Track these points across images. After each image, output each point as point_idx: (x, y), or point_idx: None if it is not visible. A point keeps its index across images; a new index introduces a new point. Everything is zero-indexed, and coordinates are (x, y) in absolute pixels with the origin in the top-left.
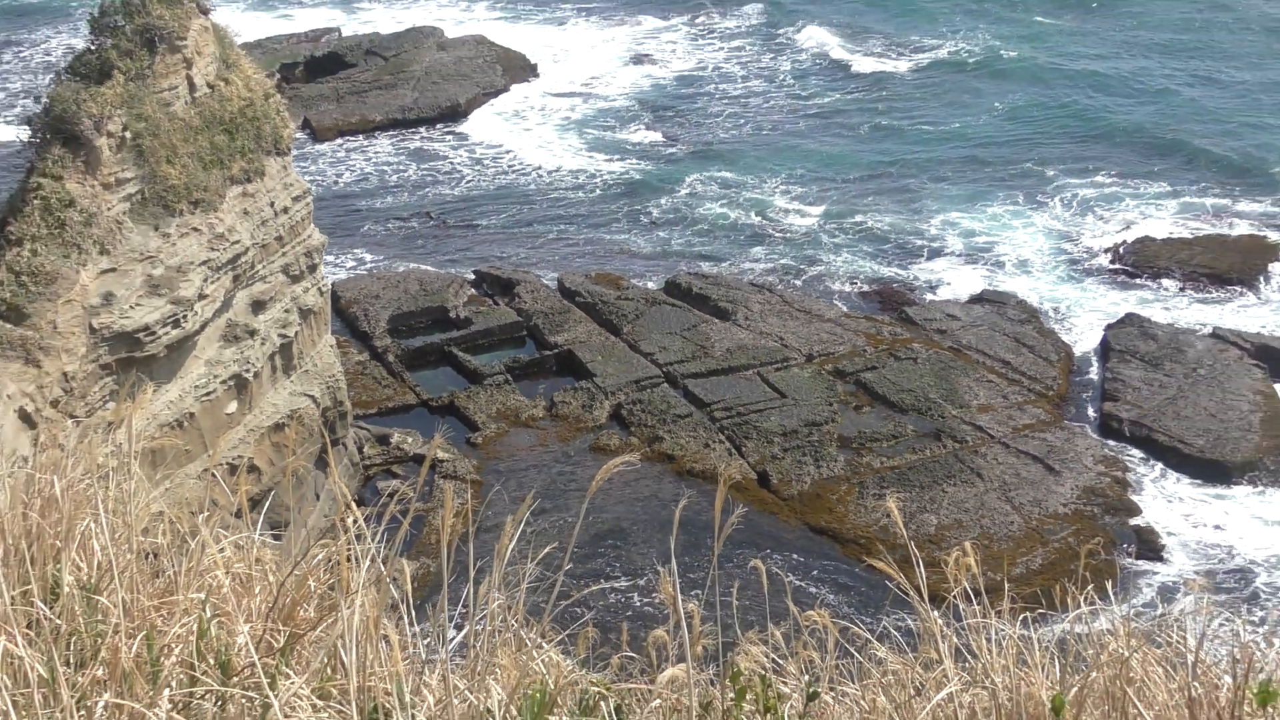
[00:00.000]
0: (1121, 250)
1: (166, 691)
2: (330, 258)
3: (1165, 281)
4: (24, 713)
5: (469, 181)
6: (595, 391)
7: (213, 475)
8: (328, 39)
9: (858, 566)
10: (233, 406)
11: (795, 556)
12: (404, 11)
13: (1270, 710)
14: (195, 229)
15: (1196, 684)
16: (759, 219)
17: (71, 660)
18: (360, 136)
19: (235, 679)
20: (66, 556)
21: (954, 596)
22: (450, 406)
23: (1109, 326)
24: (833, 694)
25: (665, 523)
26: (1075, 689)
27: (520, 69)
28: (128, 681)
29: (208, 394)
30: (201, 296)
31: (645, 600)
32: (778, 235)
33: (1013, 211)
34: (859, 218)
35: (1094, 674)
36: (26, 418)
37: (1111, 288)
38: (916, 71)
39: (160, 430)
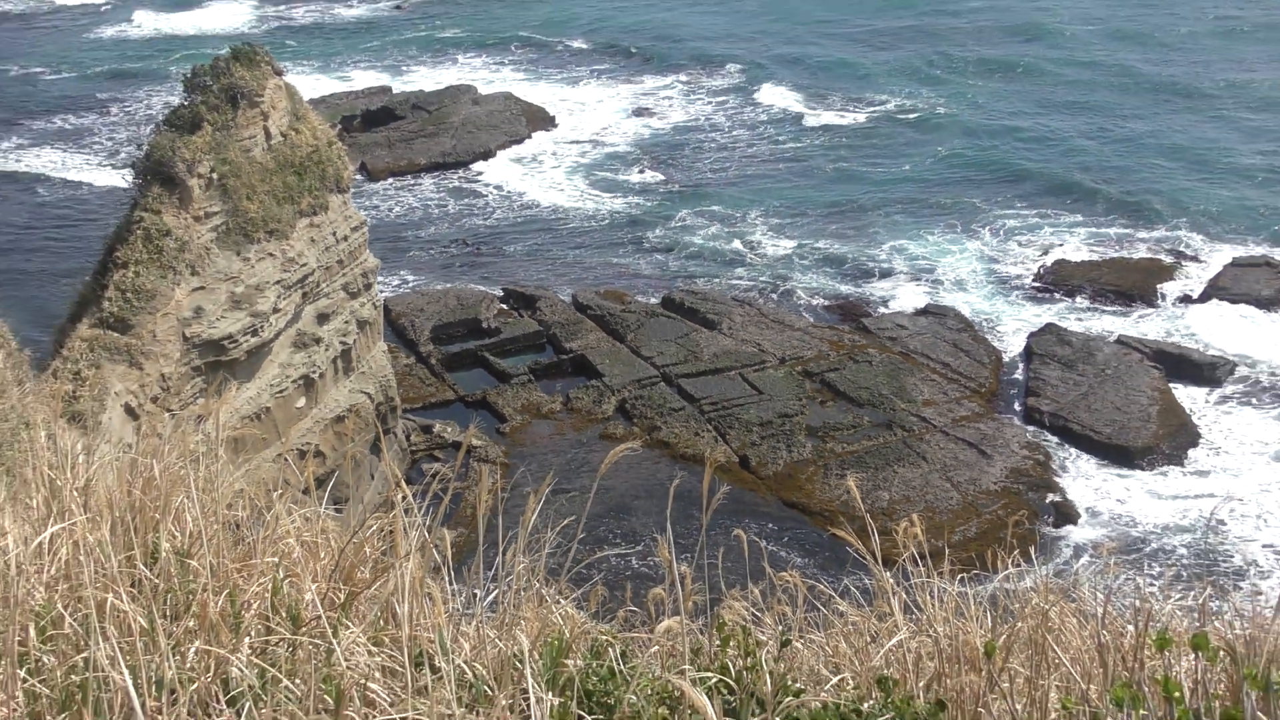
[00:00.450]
0: (1041, 271)
1: (247, 639)
2: (382, 278)
3: (1078, 297)
4: (128, 658)
5: (498, 215)
6: (604, 389)
7: (285, 459)
8: (380, 96)
9: (823, 534)
10: (301, 402)
11: (771, 526)
12: (444, 72)
13: (1166, 654)
14: (270, 254)
15: (1105, 632)
16: (740, 245)
17: (168, 613)
18: (408, 177)
19: (303, 629)
20: (164, 527)
21: (903, 560)
22: (483, 402)
23: (1031, 334)
24: (802, 641)
25: (662, 498)
26: (1004, 636)
27: (541, 120)
28: (214, 631)
29: (281, 391)
30: (276, 310)
31: (644, 563)
32: (756, 259)
33: (950, 239)
34: (823, 244)
35: (1019, 624)
36: (130, 411)
37: (1033, 302)
38: (869, 124)
39: (241, 421)
